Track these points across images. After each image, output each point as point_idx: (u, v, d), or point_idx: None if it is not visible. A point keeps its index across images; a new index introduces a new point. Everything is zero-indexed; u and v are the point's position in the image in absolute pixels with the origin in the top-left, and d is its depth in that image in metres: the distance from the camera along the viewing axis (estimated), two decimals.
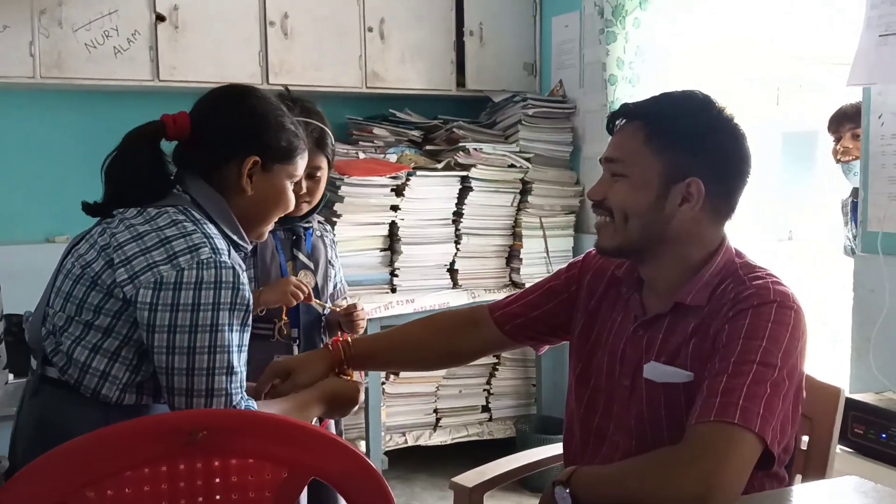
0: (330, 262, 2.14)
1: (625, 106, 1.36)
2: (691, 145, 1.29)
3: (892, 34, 1.98)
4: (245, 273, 1.28)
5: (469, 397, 3.62)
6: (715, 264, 1.33)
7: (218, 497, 1.08)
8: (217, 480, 1.08)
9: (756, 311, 1.24)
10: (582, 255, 1.58)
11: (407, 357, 1.68)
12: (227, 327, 1.21)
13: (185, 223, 1.27)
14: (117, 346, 1.23)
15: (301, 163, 1.45)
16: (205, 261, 1.22)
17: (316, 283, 2.06)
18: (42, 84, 2.96)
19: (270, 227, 1.47)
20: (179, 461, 1.07)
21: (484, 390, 3.64)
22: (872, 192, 2.24)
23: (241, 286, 1.24)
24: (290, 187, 1.43)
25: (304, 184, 1.81)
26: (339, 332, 2.10)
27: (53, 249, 2.70)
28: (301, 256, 2.06)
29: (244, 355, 1.26)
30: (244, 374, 1.25)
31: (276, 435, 1.09)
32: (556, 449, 1.69)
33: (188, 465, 1.07)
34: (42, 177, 3.21)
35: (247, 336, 1.27)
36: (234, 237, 1.36)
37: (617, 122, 1.36)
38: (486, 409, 3.66)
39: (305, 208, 1.99)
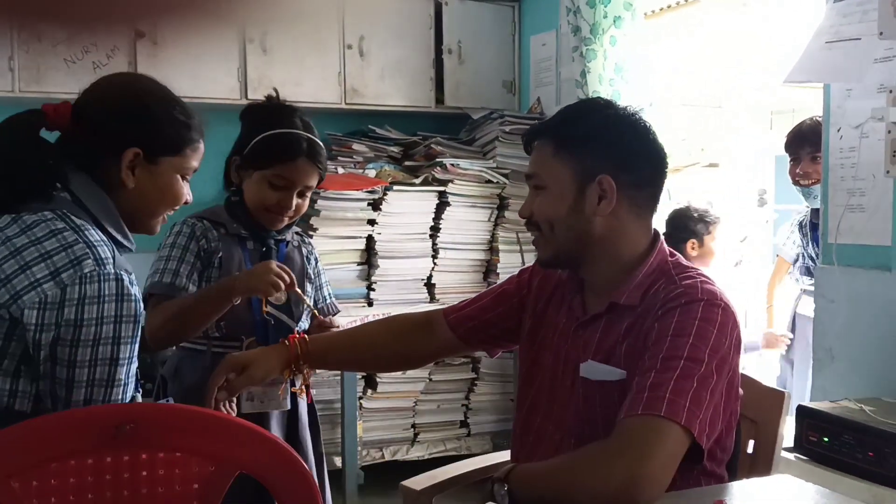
0: (309, 277, 1.94)
1: (534, 126, 1.44)
2: (593, 145, 1.34)
3: (837, 40, 2.02)
4: (132, 276, 1.24)
5: (447, 412, 3.62)
6: (648, 264, 1.36)
7: (144, 490, 1.09)
8: (144, 473, 1.09)
9: (684, 309, 1.26)
10: (534, 261, 1.60)
11: (362, 357, 1.70)
12: (111, 340, 1.18)
13: (65, 232, 1.21)
14: (16, 365, 1.18)
15: (192, 155, 1.38)
16: (87, 274, 1.17)
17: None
18: (21, 98, 3.00)
19: (161, 221, 1.41)
20: (106, 454, 1.08)
21: (462, 405, 3.64)
22: (832, 204, 2.26)
23: (125, 297, 1.19)
24: (178, 181, 1.37)
25: (294, 201, 1.76)
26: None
27: None
28: None
29: (133, 366, 1.23)
30: (132, 385, 1.23)
31: (203, 429, 1.11)
32: (506, 455, 1.70)
33: (115, 457, 1.08)
34: None
35: (135, 347, 1.22)
36: (119, 237, 1.30)
37: (534, 143, 1.41)
38: (464, 424, 3.66)
39: (285, 222, 1.83)
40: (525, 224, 1.43)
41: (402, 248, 3.40)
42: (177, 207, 1.40)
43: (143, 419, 1.08)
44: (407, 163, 3.65)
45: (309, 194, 1.81)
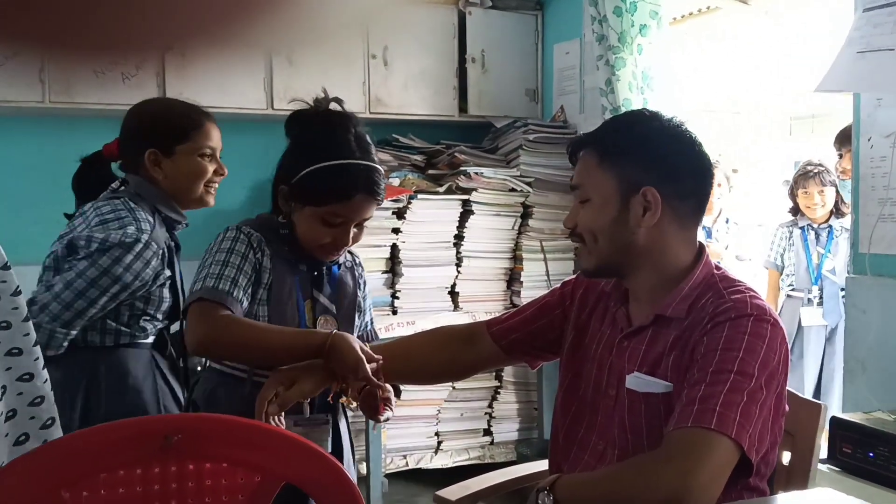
0: (359, 305, 1.73)
1: (578, 137, 1.44)
2: (638, 156, 1.35)
3: (870, 51, 2.01)
4: (156, 248, 1.69)
5: (471, 420, 3.62)
6: (694, 277, 1.36)
7: (191, 501, 1.10)
8: (190, 484, 1.10)
9: (733, 324, 1.26)
10: (576, 273, 1.61)
11: (407, 370, 1.69)
12: (90, 279, 1.63)
13: (121, 210, 1.69)
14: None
15: (199, 135, 1.78)
16: (126, 232, 1.66)
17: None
18: (51, 109, 3.04)
19: (207, 192, 1.81)
20: (154, 464, 1.09)
21: (486, 413, 3.65)
22: (863, 214, 2.25)
23: (140, 256, 1.67)
24: (196, 160, 1.78)
25: (350, 235, 1.59)
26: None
27: None
28: (322, 298, 1.66)
29: (92, 312, 1.66)
30: (72, 333, 1.67)
31: (250, 440, 1.11)
32: (542, 465, 1.70)
33: (163, 468, 1.09)
34: (51, 200, 3.25)
35: (104, 300, 1.66)
36: (170, 214, 1.78)
37: (579, 154, 1.42)
38: (487, 432, 3.66)
39: (342, 254, 1.67)
40: (569, 235, 1.43)
41: (426, 256, 3.41)
42: (211, 179, 1.80)
43: (191, 430, 1.09)
44: (431, 171, 3.66)
45: (366, 223, 1.61)
